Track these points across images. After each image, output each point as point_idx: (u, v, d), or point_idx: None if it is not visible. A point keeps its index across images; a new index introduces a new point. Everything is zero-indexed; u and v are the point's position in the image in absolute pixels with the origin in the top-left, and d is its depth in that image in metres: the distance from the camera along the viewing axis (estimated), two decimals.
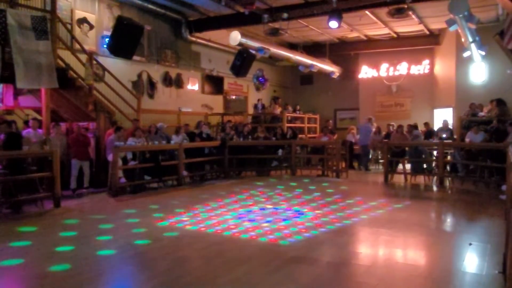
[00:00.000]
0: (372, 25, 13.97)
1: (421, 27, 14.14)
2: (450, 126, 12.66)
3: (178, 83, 13.37)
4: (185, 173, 10.30)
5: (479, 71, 13.32)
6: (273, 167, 12.47)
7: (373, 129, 13.44)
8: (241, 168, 12.13)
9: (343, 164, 11.96)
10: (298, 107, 16.64)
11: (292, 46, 16.09)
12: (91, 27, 10.73)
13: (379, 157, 13.55)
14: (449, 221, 7.21)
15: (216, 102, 15.20)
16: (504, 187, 7.92)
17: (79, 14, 10.45)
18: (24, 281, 4.20)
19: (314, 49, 16.53)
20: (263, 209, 7.35)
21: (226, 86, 15.52)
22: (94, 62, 9.94)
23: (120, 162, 8.78)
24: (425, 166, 11.29)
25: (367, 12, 12.15)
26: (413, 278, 4.14)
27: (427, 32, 15.02)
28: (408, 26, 14.18)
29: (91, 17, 10.73)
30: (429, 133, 12.40)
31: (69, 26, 9.99)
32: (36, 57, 8.17)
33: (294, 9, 11.42)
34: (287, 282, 4.03)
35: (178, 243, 5.40)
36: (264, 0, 11.34)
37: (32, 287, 4.07)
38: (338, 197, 8.54)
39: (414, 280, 4.08)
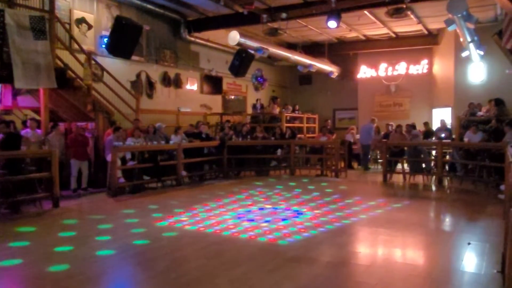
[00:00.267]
0: (370, 25, 13.98)
1: (419, 27, 14.16)
2: (449, 126, 12.68)
3: (177, 83, 13.36)
4: (184, 173, 10.29)
5: (478, 71, 13.34)
6: (272, 167, 12.48)
7: (373, 130, 13.46)
8: (240, 168, 12.13)
9: (342, 164, 11.98)
10: (297, 107, 16.65)
11: (291, 46, 16.10)
12: (90, 27, 10.72)
13: (378, 156, 13.57)
14: (448, 221, 7.22)
15: (215, 102, 15.19)
16: (502, 187, 7.93)
17: (77, 14, 10.44)
18: (23, 282, 4.19)
19: (313, 49, 16.55)
20: (262, 209, 7.35)
21: (225, 86, 15.52)
22: (93, 62, 9.93)
23: (119, 162, 8.77)
24: (424, 165, 11.30)
25: (365, 12, 12.16)
26: (412, 277, 4.14)
27: (426, 32, 15.04)
28: (406, 26, 14.19)
29: (89, 17, 10.72)
30: (428, 132, 12.42)
31: (67, 26, 9.98)
32: (34, 57, 8.17)
33: (293, 9, 11.42)
34: (286, 282, 4.03)
35: (177, 243, 5.40)
36: (263, 0, 11.34)
37: None
38: (337, 197, 8.54)
39: (413, 280, 4.08)
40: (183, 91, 13.67)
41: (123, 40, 8.73)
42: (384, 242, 5.48)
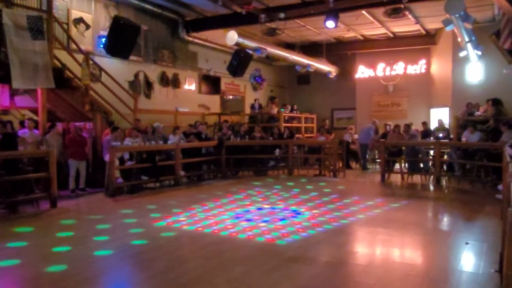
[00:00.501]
0: (368, 25, 14.00)
1: (417, 27, 14.17)
2: (446, 126, 12.71)
3: (175, 83, 13.34)
4: (182, 173, 10.29)
5: (476, 71, 13.36)
6: (270, 167, 12.48)
7: (373, 131, 13.48)
8: (238, 168, 12.13)
9: (340, 164, 11.99)
10: (295, 107, 16.65)
11: (289, 46, 16.10)
12: (88, 27, 10.69)
13: (376, 156, 13.59)
14: (445, 220, 7.23)
15: (213, 102, 15.18)
16: (500, 187, 7.94)
17: (75, 14, 10.41)
18: (21, 282, 4.18)
19: (311, 49, 16.55)
20: (260, 209, 7.35)
21: (223, 86, 15.50)
22: (91, 62, 9.91)
23: (117, 162, 8.76)
24: (421, 165, 11.32)
25: (363, 12, 12.17)
26: (410, 277, 4.15)
27: (424, 32, 15.05)
28: (404, 26, 14.21)
29: (87, 17, 10.70)
30: (426, 132, 12.44)
31: (65, 26, 9.96)
32: (32, 57, 8.15)
33: (291, 9, 11.41)
34: (284, 282, 4.04)
35: (175, 243, 5.40)
36: (261, 0, 11.33)
37: None
38: (335, 197, 8.54)
39: (411, 279, 4.09)
40: (181, 91, 13.65)
41: (121, 40, 8.72)
42: (382, 242, 5.49)
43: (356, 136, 14.23)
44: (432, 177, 10.64)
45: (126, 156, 9.21)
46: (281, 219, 6.54)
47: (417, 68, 16.23)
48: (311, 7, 11.14)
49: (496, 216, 6.38)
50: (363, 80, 17.26)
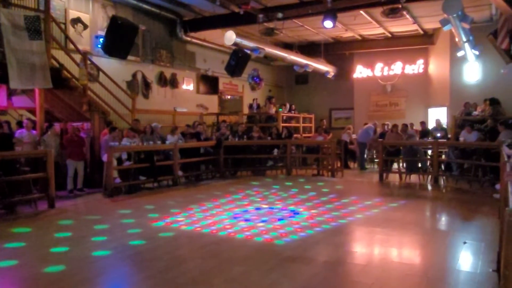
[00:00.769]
0: (366, 25, 14.01)
1: (415, 27, 14.20)
2: (444, 125, 12.72)
3: (173, 83, 13.33)
4: (180, 173, 10.28)
5: (473, 71, 13.39)
6: (268, 167, 12.48)
7: (372, 132, 13.51)
8: (237, 168, 12.12)
9: (338, 164, 12.00)
10: (293, 107, 16.66)
11: (287, 46, 16.10)
12: (85, 27, 10.68)
13: (374, 156, 13.60)
14: (443, 220, 7.25)
15: (211, 102, 15.17)
16: (498, 186, 7.96)
17: (73, 14, 10.40)
18: (19, 283, 4.17)
19: (309, 48, 16.56)
20: (258, 208, 7.35)
21: (221, 86, 15.50)
22: (88, 62, 9.89)
23: (115, 163, 8.74)
24: (420, 165, 11.33)
25: (361, 12, 12.18)
26: (408, 277, 4.15)
27: (421, 32, 15.09)
28: (402, 26, 14.23)
29: (85, 17, 10.68)
30: (425, 132, 12.45)
31: (63, 26, 9.94)
32: (29, 57, 8.12)
33: (289, 9, 11.42)
34: (282, 281, 4.04)
35: (174, 243, 5.39)
36: (259, 0, 11.34)
37: None
38: (333, 197, 8.55)
39: (409, 279, 4.09)
40: (179, 91, 13.64)
41: (119, 40, 8.70)
42: (381, 242, 5.50)
43: (354, 136, 14.25)
44: (430, 176, 10.66)
45: (124, 156, 9.19)
46: (280, 219, 6.54)
47: (415, 68, 16.27)
48: (309, 7, 11.15)
49: (494, 216, 6.40)
50: (361, 80, 17.28)
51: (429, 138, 11.94)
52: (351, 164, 13.88)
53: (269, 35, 13.84)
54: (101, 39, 10.21)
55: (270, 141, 12.63)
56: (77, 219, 6.69)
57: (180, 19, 12.93)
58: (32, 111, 9.77)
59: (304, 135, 16.04)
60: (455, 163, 10.39)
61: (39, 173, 7.70)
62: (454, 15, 8.84)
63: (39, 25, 8.28)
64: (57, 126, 9.59)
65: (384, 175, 10.93)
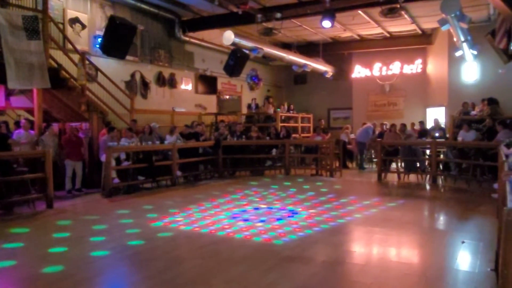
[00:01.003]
0: (365, 24, 14.02)
1: (413, 26, 14.22)
2: (442, 125, 12.73)
3: (171, 83, 13.33)
4: (179, 173, 10.27)
5: (471, 70, 13.41)
6: (267, 167, 12.48)
7: (372, 132, 13.52)
8: (235, 168, 12.12)
9: (337, 163, 12.01)
10: (291, 107, 16.67)
11: (285, 46, 16.11)
12: (84, 26, 10.67)
13: (373, 156, 13.61)
14: (442, 220, 7.26)
15: (210, 102, 15.17)
16: (496, 186, 7.98)
17: (71, 13, 10.38)
18: (17, 283, 4.16)
19: (307, 48, 16.56)
20: (257, 208, 7.35)
21: (219, 86, 15.50)
22: (87, 62, 9.88)
23: (113, 163, 8.73)
24: (418, 165, 11.34)
25: (360, 11, 12.19)
26: (407, 276, 4.16)
27: (420, 32, 15.11)
28: (400, 25, 14.25)
29: (83, 17, 10.67)
30: (424, 132, 12.47)
31: (61, 26, 9.93)
32: (27, 57, 8.11)
33: (288, 9, 11.43)
34: (281, 281, 4.04)
35: (172, 243, 5.39)
36: (258, 0, 11.33)
37: None
38: (332, 196, 8.56)
39: (407, 278, 4.10)
40: (178, 91, 13.64)
41: (117, 40, 8.69)
42: (379, 241, 5.50)
43: (352, 136, 14.25)
44: (428, 176, 10.68)
45: (123, 156, 9.19)
46: (278, 219, 6.54)
47: (413, 67, 16.30)
48: (308, 7, 11.16)
49: (492, 215, 6.41)
50: (359, 80, 17.30)
51: (427, 138, 11.95)
52: (349, 164, 13.89)
53: (268, 35, 13.85)
54: (99, 39, 10.20)
55: (268, 141, 12.63)
56: (75, 219, 6.68)
57: (178, 19, 12.92)
58: (30, 111, 9.75)
59: (302, 135, 16.04)
60: (453, 163, 10.41)
61: (38, 173, 7.68)
62: (452, 15, 8.86)
63: (37, 25, 8.27)
64: (55, 126, 9.57)
65: (383, 174, 10.94)
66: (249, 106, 15.80)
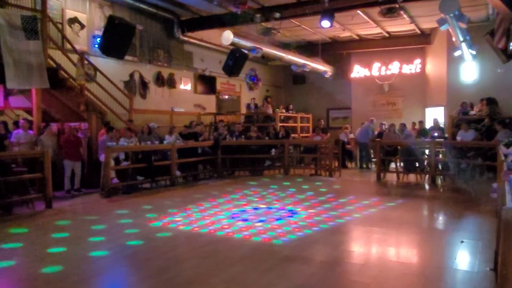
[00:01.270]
0: (364, 24, 14.03)
1: (412, 26, 14.23)
2: (441, 125, 12.74)
3: (170, 83, 13.32)
4: (178, 173, 10.26)
5: (470, 70, 13.43)
6: (266, 167, 12.48)
7: (373, 130, 13.52)
8: (234, 168, 12.12)
9: (336, 163, 12.01)
10: (291, 107, 16.67)
11: (284, 46, 16.09)
12: (82, 26, 10.65)
13: (372, 156, 13.61)
14: (441, 219, 7.26)
15: (209, 102, 15.16)
16: (495, 185, 7.98)
17: (70, 13, 10.37)
18: (16, 283, 4.15)
19: (306, 48, 16.57)
20: (256, 208, 7.35)
21: (218, 86, 15.49)
22: (86, 62, 9.87)
23: (112, 163, 8.73)
24: (417, 164, 11.35)
25: (359, 11, 12.20)
26: (406, 276, 4.16)
27: (419, 32, 15.12)
28: (399, 25, 14.26)
29: (82, 17, 10.65)
30: (423, 131, 12.47)
31: (60, 26, 9.92)
32: (26, 57, 8.09)
33: (287, 9, 11.43)
34: (280, 281, 4.04)
35: (172, 243, 5.38)
36: (256, 0, 11.33)
37: None
38: (331, 196, 8.56)
39: (406, 278, 4.10)
40: (177, 91, 13.63)
41: (116, 40, 8.68)
42: (378, 241, 5.50)
43: (351, 136, 14.26)
44: (427, 176, 10.69)
45: (122, 156, 9.18)
46: (277, 219, 6.54)
47: (412, 67, 16.32)
48: (307, 7, 11.16)
49: (491, 215, 6.42)
50: (358, 80, 17.31)
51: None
52: (349, 164, 13.89)
53: (267, 34, 13.84)
54: (98, 39, 10.18)
55: (267, 141, 12.63)
56: (74, 220, 6.68)
57: (177, 19, 12.91)
58: (29, 111, 9.74)
59: (301, 135, 16.04)
60: (452, 163, 10.41)
61: (36, 173, 7.67)
62: (451, 15, 8.87)
63: (36, 25, 8.25)
64: (54, 126, 9.56)
65: (382, 174, 10.95)
66: (248, 106, 15.80)
